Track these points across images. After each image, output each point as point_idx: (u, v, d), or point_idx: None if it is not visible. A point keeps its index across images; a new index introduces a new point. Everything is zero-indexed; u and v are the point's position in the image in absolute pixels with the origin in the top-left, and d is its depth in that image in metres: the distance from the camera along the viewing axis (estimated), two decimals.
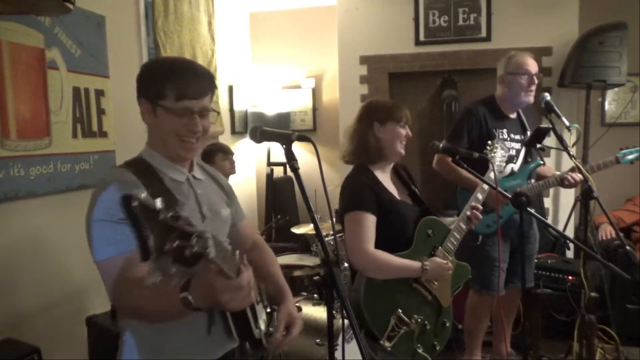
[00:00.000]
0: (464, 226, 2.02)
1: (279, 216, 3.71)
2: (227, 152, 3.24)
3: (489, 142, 2.26)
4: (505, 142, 2.61)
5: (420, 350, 1.83)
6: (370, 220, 1.86)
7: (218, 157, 3.18)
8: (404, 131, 1.97)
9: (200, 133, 1.29)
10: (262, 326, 1.31)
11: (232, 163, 3.27)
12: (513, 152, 2.63)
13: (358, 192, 1.90)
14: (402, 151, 1.99)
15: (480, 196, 2.11)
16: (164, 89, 1.23)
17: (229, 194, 1.51)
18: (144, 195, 0.81)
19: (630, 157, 2.57)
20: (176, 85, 1.23)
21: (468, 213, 2.03)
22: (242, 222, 1.56)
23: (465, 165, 2.08)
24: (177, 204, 1.21)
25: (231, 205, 1.50)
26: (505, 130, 2.63)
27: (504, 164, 2.28)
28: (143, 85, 1.28)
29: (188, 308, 1.04)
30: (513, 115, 2.70)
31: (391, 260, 1.84)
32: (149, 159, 1.31)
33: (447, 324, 1.97)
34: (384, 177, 2.00)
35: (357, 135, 1.98)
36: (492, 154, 2.20)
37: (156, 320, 1.21)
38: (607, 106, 4.28)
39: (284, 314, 1.35)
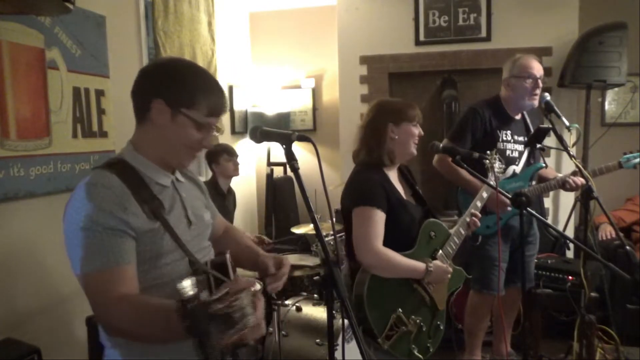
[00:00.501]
0: (463, 232, 2.03)
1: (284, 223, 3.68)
2: (231, 154, 3.23)
3: (488, 151, 2.26)
4: (509, 144, 2.61)
5: (415, 351, 1.84)
6: (380, 217, 1.85)
7: (222, 158, 3.18)
8: (417, 130, 1.97)
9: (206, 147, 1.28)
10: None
11: (236, 165, 3.27)
12: (516, 154, 2.63)
13: (369, 188, 1.89)
14: (415, 151, 1.99)
15: (479, 204, 2.12)
16: (197, 101, 1.20)
17: (205, 194, 1.49)
18: (202, 295, 0.77)
19: (634, 162, 2.55)
20: (210, 100, 1.22)
21: (468, 219, 2.03)
22: (217, 219, 1.54)
23: (465, 165, 2.09)
24: (164, 211, 1.20)
25: (209, 206, 1.48)
26: (509, 132, 2.62)
27: (501, 174, 2.28)
28: (165, 87, 1.20)
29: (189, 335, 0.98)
30: (518, 117, 2.70)
31: (398, 259, 1.84)
32: (132, 162, 1.23)
33: (441, 327, 1.98)
34: (392, 175, 2.00)
35: (370, 136, 1.97)
36: (491, 164, 2.21)
37: (143, 342, 1.14)
38: (607, 106, 4.28)
39: (268, 259, 1.38)
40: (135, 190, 1.16)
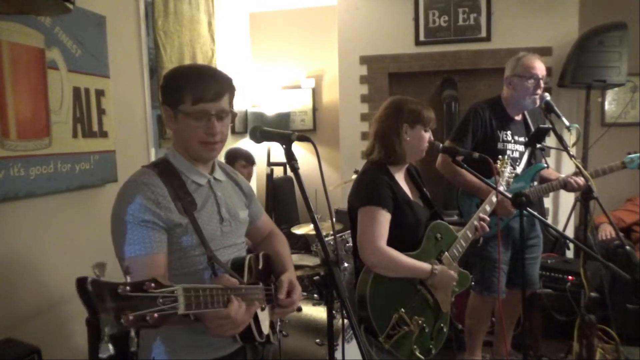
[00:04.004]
0: (470, 235, 2.03)
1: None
2: (249, 161, 3.23)
3: (500, 157, 2.25)
4: (509, 144, 2.61)
5: (417, 352, 1.84)
6: (385, 217, 1.85)
7: (239, 163, 3.19)
8: (428, 135, 1.97)
9: (219, 135, 1.33)
10: (265, 330, 1.35)
11: (250, 173, 3.28)
12: (516, 155, 2.63)
13: (376, 188, 1.89)
14: (424, 153, 1.99)
15: (488, 208, 2.11)
16: (182, 94, 1.29)
17: (247, 195, 1.57)
18: (99, 275, 0.81)
19: (638, 162, 2.53)
20: (192, 89, 1.29)
21: (476, 223, 2.03)
22: (261, 219, 1.64)
23: (465, 165, 2.09)
24: (195, 208, 1.31)
25: (250, 205, 1.56)
26: (509, 132, 2.62)
27: (512, 180, 2.28)
28: (165, 93, 1.34)
29: (185, 317, 1.05)
30: (518, 117, 2.69)
31: (402, 259, 1.84)
32: (173, 161, 1.37)
33: (444, 329, 1.98)
34: (400, 176, 2.00)
35: (384, 134, 1.96)
36: (502, 169, 2.21)
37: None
38: (607, 106, 4.28)
39: (285, 281, 1.40)
40: (172, 188, 1.29)
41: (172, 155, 1.38)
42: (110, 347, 0.81)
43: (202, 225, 1.30)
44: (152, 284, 0.87)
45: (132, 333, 0.84)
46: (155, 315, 0.85)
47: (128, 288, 0.83)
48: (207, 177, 1.40)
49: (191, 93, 1.28)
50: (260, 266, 1.40)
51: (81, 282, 0.79)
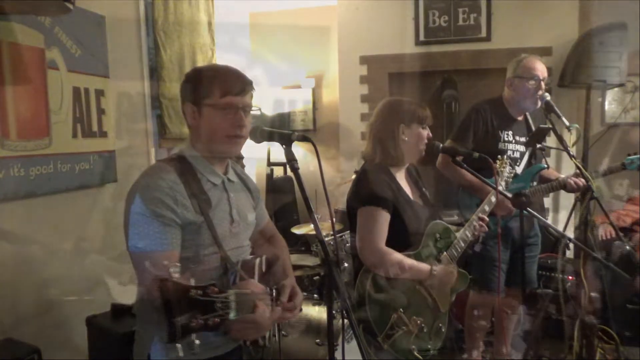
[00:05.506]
0: (469, 235, 2.03)
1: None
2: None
3: (499, 156, 2.25)
4: (510, 145, 2.61)
5: (415, 352, 1.84)
6: (385, 218, 1.85)
7: None
8: (426, 132, 1.97)
9: (245, 129, 1.35)
10: (266, 334, 1.37)
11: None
12: (517, 155, 2.62)
13: (376, 188, 1.88)
14: (423, 152, 1.99)
15: (487, 208, 2.11)
16: (210, 88, 1.32)
17: (255, 197, 1.58)
18: (176, 274, 0.84)
19: (638, 163, 2.52)
20: (220, 83, 1.31)
21: (475, 223, 2.03)
22: (265, 222, 1.65)
23: (465, 165, 2.09)
24: (210, 207, 1.33)
25: (257, 208, 1.58)
26: (510, 132, 2.62)
27: (511, 180, 2.28)
28: (188, 90, 1.37)
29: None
30: (520, 118, 2.69)
31: (401, 260, 1.84)
32: (190, 159, 1.37)
33: (443, 329, 1.98)
34: (400, 175, 2.00)
35: (381, 136, 1.96)
36: (501, 169, 2.20)
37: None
38: (607, 106, 4.28)
39: (288, 287, 1.41)
40: (188, 185, 1.29)
41: (189, 152, 1.38)
42: (180, 347, 0.85)
43: (215, 224, 1.31)
44: (215, 288, 0.90)
45: (194, 336, 0.87)
46: (217, 319, 0.89)
47: (199, 292, 0.86)
48: (221, 177, 1.41)
49: (219, 86, 1.31)
50: (264, 270, 1.40)
51: (163, 283, 0.82)
